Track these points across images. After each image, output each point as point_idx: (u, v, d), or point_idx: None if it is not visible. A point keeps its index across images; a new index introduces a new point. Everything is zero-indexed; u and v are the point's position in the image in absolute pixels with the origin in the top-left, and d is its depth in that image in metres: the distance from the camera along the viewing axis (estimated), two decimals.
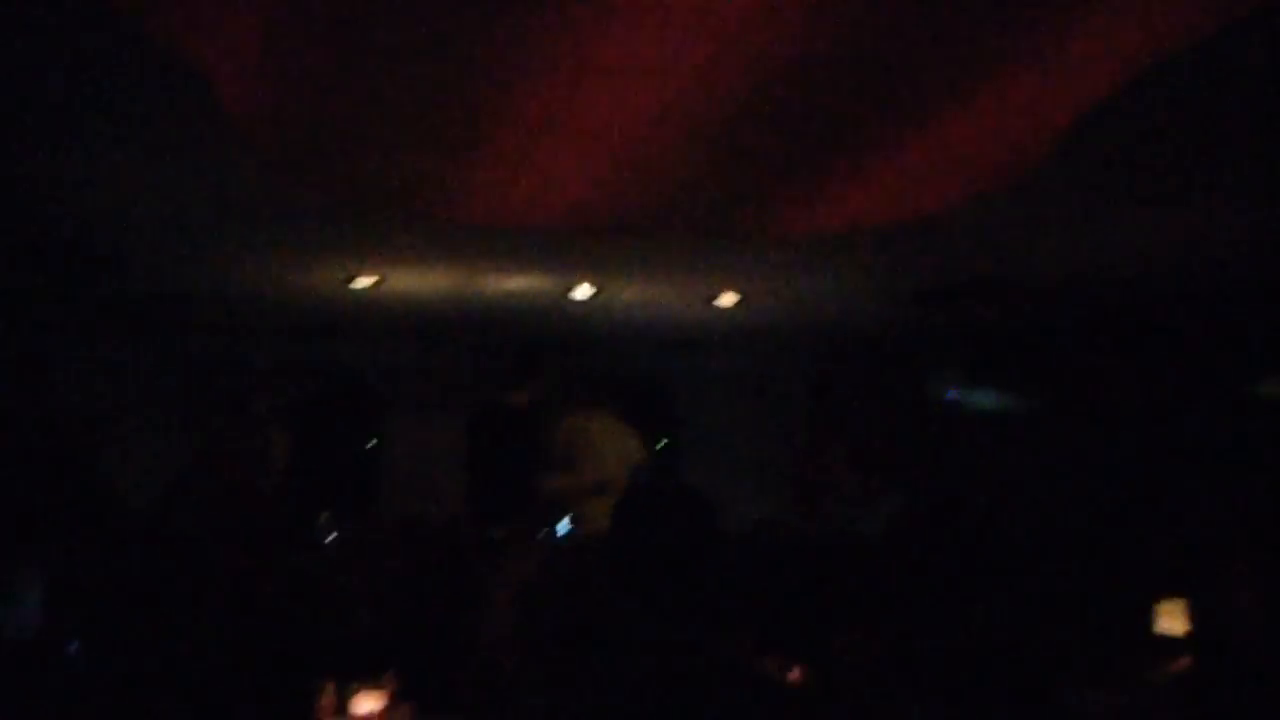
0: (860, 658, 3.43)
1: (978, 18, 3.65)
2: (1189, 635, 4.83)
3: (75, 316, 9.11)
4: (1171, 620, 5.06)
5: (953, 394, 10.74)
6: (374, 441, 11.11)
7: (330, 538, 7.55)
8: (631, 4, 3.54)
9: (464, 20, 3.61)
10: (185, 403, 10.08)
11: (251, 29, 3.69)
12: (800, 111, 4.38)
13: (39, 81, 4.06)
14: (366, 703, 3.84)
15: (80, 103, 4.27)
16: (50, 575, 4.42)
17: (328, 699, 3.78)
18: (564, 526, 7.27)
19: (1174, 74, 3.90)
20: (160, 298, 8.30)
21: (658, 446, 7.98)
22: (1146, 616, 5.28)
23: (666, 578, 2.82)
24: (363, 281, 7.45)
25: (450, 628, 4.40)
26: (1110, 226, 6.05)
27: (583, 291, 7.73)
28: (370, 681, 4.00)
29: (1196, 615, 4.99)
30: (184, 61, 3.82)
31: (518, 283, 7.59)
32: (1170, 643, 4.77)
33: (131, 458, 8.85)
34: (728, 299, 8.00)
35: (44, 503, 6.17)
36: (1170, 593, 5.39)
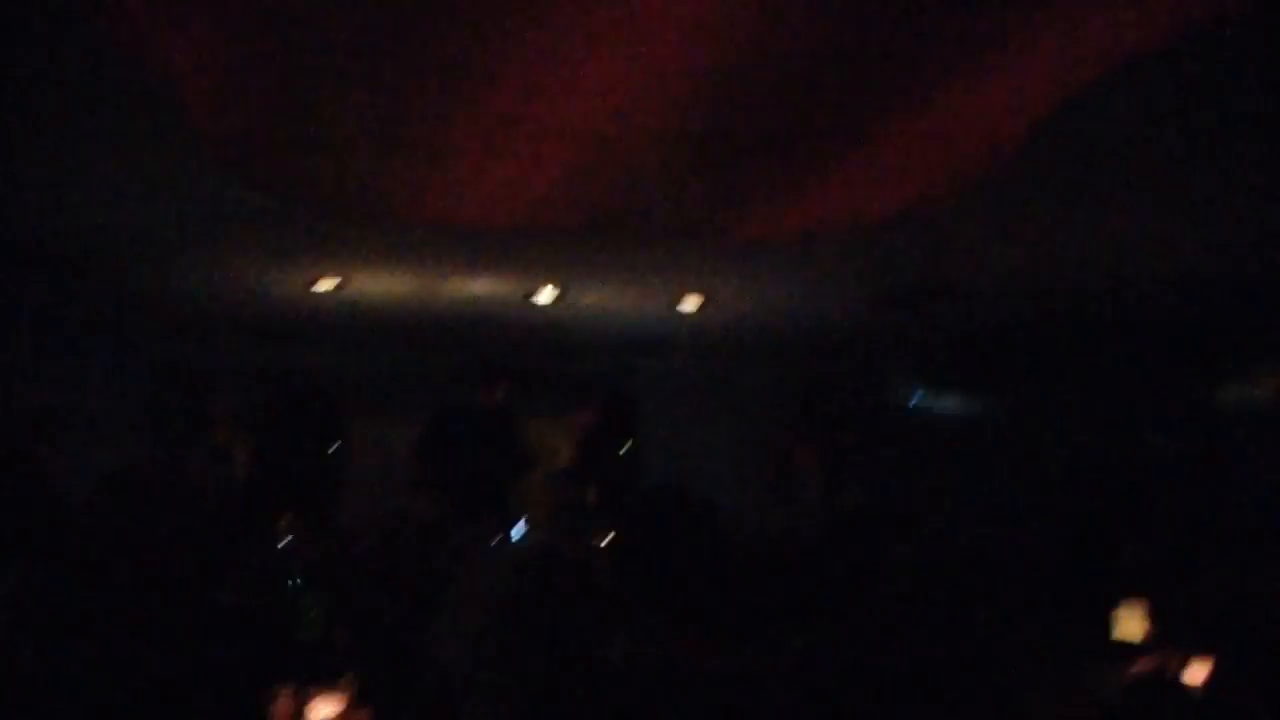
0: (814, 659, 3.42)
1: (942, 18, 3.65)
2: (1147, 640, 4.84)
3: (34, 318, 9.03)
4: (1130, 625, 5.08)
5: (918, 397, 10.78)
6: (336, 445, 11.06)
7: (286, 541, 7.52)
8: (594, 2, 3.52)
9: (424, 20, 3.59)
10: (145, 406, 10.02)
11: (213, 33, 3.66)
12: (765, 114, 4.37)
13: (1, 85, 4.03)
14: (324, 708, 3.81)
15: (42, 105, 4.24)
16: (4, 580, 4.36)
17: (284, 703, 3.75)
18: (519, 531, 7.31)
19: (1140, 74, 3.90)
20: (121, 300, 8.23)
21: (622, 450, 8.01)
22: (1107, 622, 5.29)
23: (674, 583, 2.83)
24: (324, 285, 7.41)
25: (411, 631, 4.37)
26: (1076, 229, 6.06)
27: (546, 295, 7.71)
28: (327, 686, 3.97)
29: (1160, 619, 5.00)
30: (146, 64, 3.79)
31: (481, 285, 7.56)
32: (1128, 648, 4.78)
33: (89, 461, 8.77)
34: (692, 302, 7.99)
35: None
36: (1130, 597, 5.40)
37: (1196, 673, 3.74)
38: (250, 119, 4.41)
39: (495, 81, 4.02)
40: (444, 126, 4.44)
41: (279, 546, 7.06)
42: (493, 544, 6.96)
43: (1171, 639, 4.62)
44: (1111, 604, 5.22)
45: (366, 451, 10.74)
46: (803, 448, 7.60)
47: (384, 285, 7.55)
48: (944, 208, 5.47)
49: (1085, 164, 5.00)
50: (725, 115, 4.36)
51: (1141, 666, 4.02)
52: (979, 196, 5.29)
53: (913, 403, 10.81)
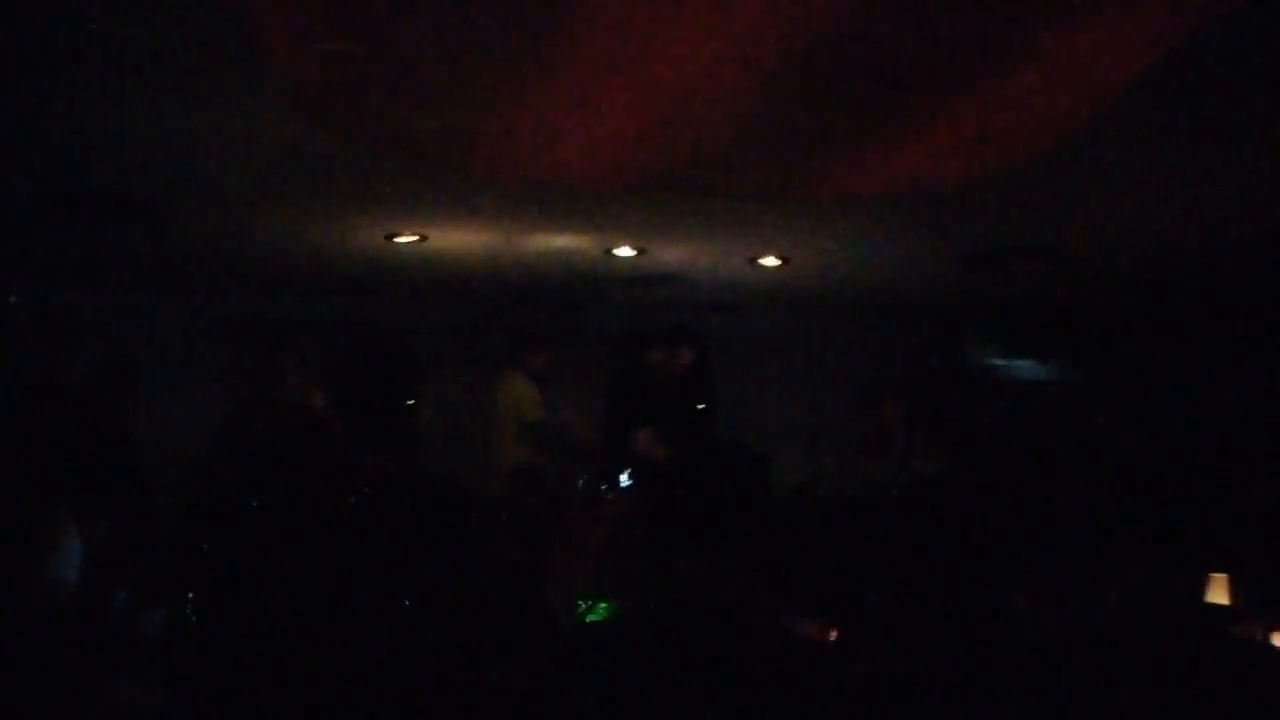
0: (890, 620, 3.42)
1: None
2: (1236, 607, 4.80)
3: (113, 270, 9.16)
4: (1219, 592, 5.03)
5: (996, 360, 10.69)
6: (412, 401, 11.13)
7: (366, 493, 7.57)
8: None
9: None
10: (223, 359, 10.14)
11: None
12: (846, 74, 4.33)
13: (77, 34, 4.05)
14: None
15: (121, 54, 4.25)
16: (90, 527, 4.44)
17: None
18: (626, 479, 7.36)
19: (1233, 32, 3.82)
20: (200, 252, 8.32)
21: (696, 409, 8.01)
22: (1192, 587, 5.24)
23: (722, 534, 2.82)
24: (404, 239, 7.45)
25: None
26: (1157, 195, 5.97)
27: (624, 252, 7.72)
28: None
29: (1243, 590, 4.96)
30: (226, 13, 3.80)
31: (560, 242, 7.57)
32: (1220, 611, 4.74)
33: (168, 413, 8.93)
34: (770, 261, 7.97)
35: (81, 456, 6.22)
36: (1213, 565, 5.36)
37: None
38: (333, 69, 4.41)
39: (579, 38, 4.00)
40: (528, 84, 4.43)
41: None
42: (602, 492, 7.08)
43: (1258, 607, 4.57)
44: (1199, 571, 5.18)
45: (445, 405, 10.81)
46: (890, 406, 7.56)
47: (464, 240, 7.57)
48: (1028, 170, 5.41)
49: (1170, 129, 4.91)
50: (807, 74, 4.32)
51: (1234, 632, 3.99)
52: (1063, 159, 5.22)
53: (991, 365, 10.72)
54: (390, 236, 7.41)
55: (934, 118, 4.77)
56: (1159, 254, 7.44)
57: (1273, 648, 3.72)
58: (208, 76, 4.50)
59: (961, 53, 4.13)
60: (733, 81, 4.37)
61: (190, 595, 3.74)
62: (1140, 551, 6.48)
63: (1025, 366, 10.58)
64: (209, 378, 9.84)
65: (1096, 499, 8.50)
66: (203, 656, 3.27)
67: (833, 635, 4.35)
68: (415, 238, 7.44)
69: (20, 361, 7.98)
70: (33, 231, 7.56)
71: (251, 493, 3.38)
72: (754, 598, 2.93)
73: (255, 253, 8.30)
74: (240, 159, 5.67)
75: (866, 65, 4.23)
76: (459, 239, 7.56)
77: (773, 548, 3.00)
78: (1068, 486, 8.74)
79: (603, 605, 3.93)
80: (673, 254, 7.90)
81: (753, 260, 8.00)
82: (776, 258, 7.92)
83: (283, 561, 3.24)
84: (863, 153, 5.28)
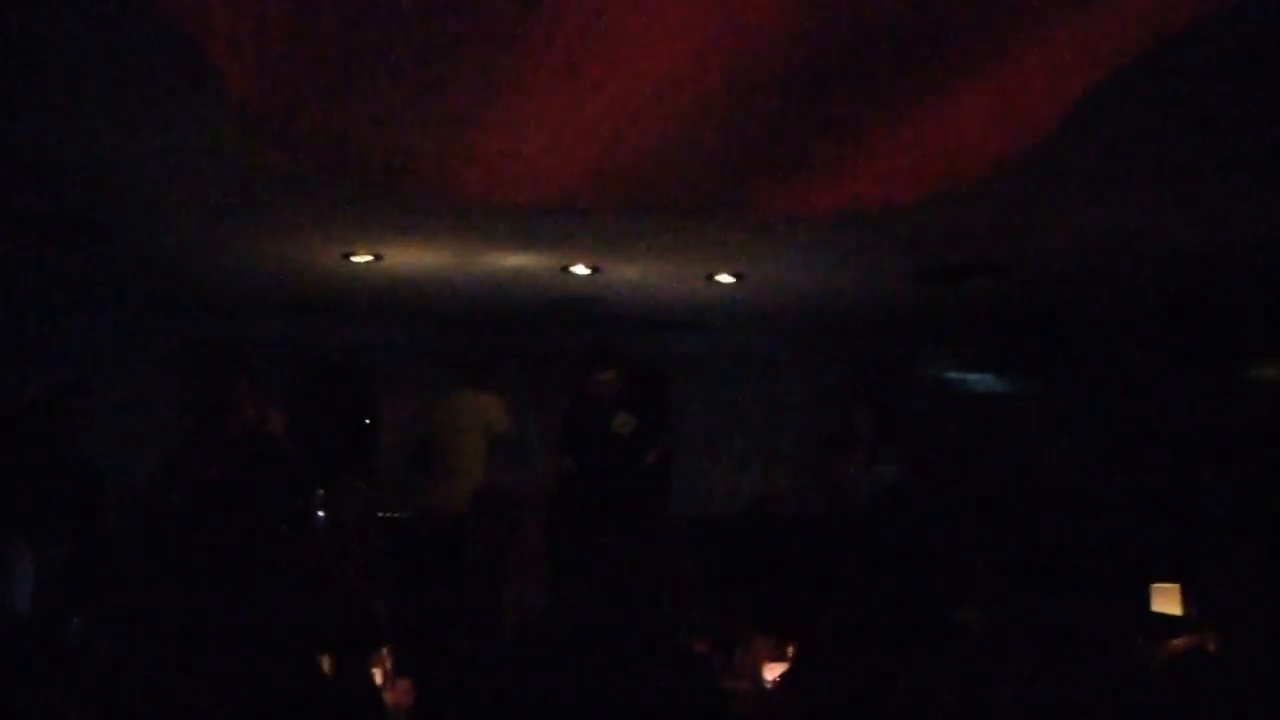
0: (847, 633, 3.43)
1: None
2: (1185, 617, 4.85)
3: (66, 289, 9.09)
4: (1167, 602, 5.08)
5: (951, 375, 10.76)
6: (369, 420, 11.10)
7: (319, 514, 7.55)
8: None
9: None
10: (177, 379, 10.08)
11: (251, 1, 3.67)
12: (799, 91, 4.36)
13: (32, 50, 4.04)
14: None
15: (74, 72, 4.25)
16: (42, 553, 4.41)
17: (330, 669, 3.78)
18: None
19: (1177, 52, 3.88)
20: (153, 273, 8.27)
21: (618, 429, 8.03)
22: (1141, 597, 5.29)
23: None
24: (360, 258, 7.44)
25: (449, 603, 4.40)
26: (1113, 207, 6.03)
27: (580, 270, 7.75)
28: (368, 654, 4.01)
29: (1193, 599, 5.00)
30: (180, 32, 3.79)
31: (515, 260, 7.58)
32: (1168, 621, 4.79)
33: (121, 433, 8.85)
34: (725, 278, 8.01)
35: (33, 479, 6.17)
36: (1162, 575, 5.41)
37: (1231, 648, 3.75)
38: (289, 89, 4.42)
39: (533, 59, 4.02)
40: (483, 103, 4.45)
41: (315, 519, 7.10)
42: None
43: (1208, 617, 4.62)
44: (1147, 581, 5.23)
45: (401, 425, 10.78)
46: (859, 411, 7.64)
47: (420, 258, 7.57)
48: (982, 184, 5.45)
49: (1125, 141, 4.96)
50: (760, 94, 4.35)
51: (1182, 642, 4.03)
52: (1017, 173, 5.27)
53: (946, 379, 10.79)
54: (346, 255, 7.40)
55: (888, 135, 4.81)
56: (1113, 267, 7.51)
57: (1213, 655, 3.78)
58: (161, 96, 4.50)
59: (915, 70, 4.17)
60: (686, 101, 4.40)
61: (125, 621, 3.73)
62: (1087, 562, 6.54)
63: (981, 379, 10.66)
64: (165, 399, 9.80)
65: (1050, 510, 8.56)
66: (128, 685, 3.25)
67: (789, 650, 4.37)
68: (371, 257, 7.43)
69: None
70: None
71: (195, 525, 3.36)
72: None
73: (210, 272, 8.27)
74: (194, 178, 5.66)
75: (820, 83, 4.26)
76: (415, 258, 7.55)
77: (725, 563, 3.02)
78: (1023, 497, 8.80)
79: None
80: (629, 271, 7.92)
81: (709, 277, 8.03)
82: (732, 274, 7.95)
83: (222, 593, 3.24)
84: (816, 170, 5.31)
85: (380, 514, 6.80)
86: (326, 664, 3.68)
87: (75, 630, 4.22)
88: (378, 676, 4.15)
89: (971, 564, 3.72)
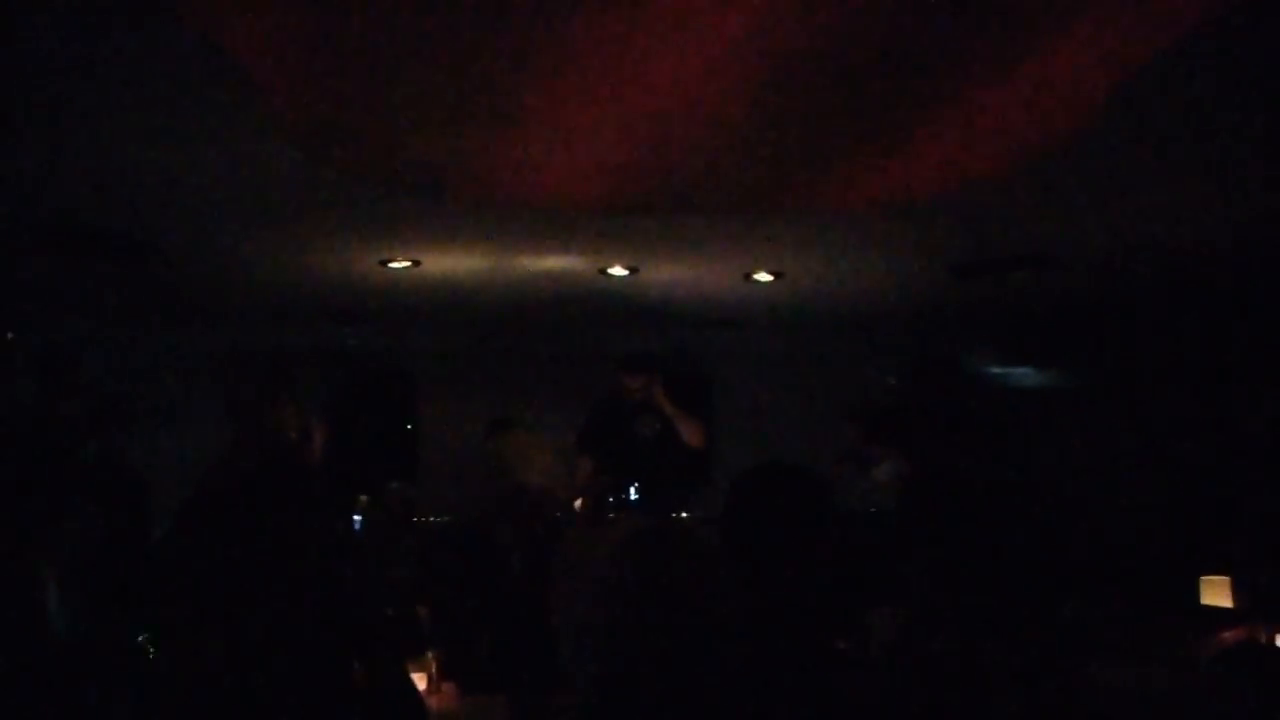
0: (893, 631, 3.42)
1: None
2: (1236, 611, 4.80)
3: (109, 305, 9.17)
4: (1218, 593, 5.03)
5: (992, 370, 10.70)
6: (409, 425, 11.15)
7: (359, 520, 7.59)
8: None
9: (497, 1, 3.60)
10: (220, 389, 10.15)
11: (284, 10, 3.68)
12: (835, 86, 4.34)
13: (74, 68, 4.07)
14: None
15: (114, 88, 4.27)
16: (81, 557, 4.43)
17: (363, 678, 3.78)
18: (635, 494, 7.39)
19: (1218, 39, 3.83)
20: (195, 285, 8.33)
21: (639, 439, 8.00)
22: (1188, 593, 5.24)
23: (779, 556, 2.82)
24: (398, 264, 7.46)
25: (494, 606, 4.40)
26: (1153, 199, 5.96)
27: (618, 272, 7.75)
28: (412, 660, 4.01)
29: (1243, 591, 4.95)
30: (217, 44, 3.81)
31: (552, 263, 7.58)
32: (1217, 614, 4.74)
33: (165, 445, 8.93)
34: (763, 276, 7.99)
35: (72, 490, 6.22)
36: (1210, 570, 5.36)
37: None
38: (325, 98, 4.43)
39: (567, 61, 4.02)
40: (519, 107, 4.45)
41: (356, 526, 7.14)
42: (610, 508, 7.09)
43: (1259, 610, 4.57)
44: (1196, 574, 5.18)
45: (442, 431, 10.82)
46: (853, 430, 7.75)
47: (458, 263, 7.59)
48: (1020, 177, 5.41)
49: (1165, 132, 4.91)
50: (796, 90, 4.33)
51: (1233, 635, 3.99)
52: (1055, 165, 5.23)
53: (987, 374, 10.73)
54: (384, 262, 7.43)
55: (926, 127, 4.77)
56: (1162, 259, 7.43)
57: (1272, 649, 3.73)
58: (199, 109, 4.52)
59: (953, 59, 4.13)
60: (721, 99, 4.38)
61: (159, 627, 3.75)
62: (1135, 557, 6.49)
63: (1022, 374, 10.59)
64: (207, 411, 9.86)
65: (1096, 507, 8.50)
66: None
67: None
68: (409, 263, 7.46)
69: (17, 395, 7.97)
70: (29, 268, 7.58)
71: (234, 533, 3.38)
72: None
73: (249, 283, 8.33)
74: (233, 190, 5.69)
75: (855, 77, 4.24)
76: (452, 263, 7.57)
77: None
78: (1067, 495, 8.75)
79: None
80: (666, 272, 7.92)
81: (747, 276, 8.01)
82: (770, 273, 7.93)
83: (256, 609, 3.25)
84: (854, 165, 5.29)
85: (421, 519, 6.83)
86: (365, 670, 3.69)
87: (128, 637, 4.24)
88: (422, 682, 4.16)
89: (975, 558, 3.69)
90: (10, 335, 9.51)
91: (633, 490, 7.48)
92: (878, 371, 10.85)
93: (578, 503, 7.05)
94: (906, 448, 7.75)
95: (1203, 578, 5.22)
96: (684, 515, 7.58)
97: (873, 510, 7.09)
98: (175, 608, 3.31)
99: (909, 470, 7.58)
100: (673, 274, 8.03)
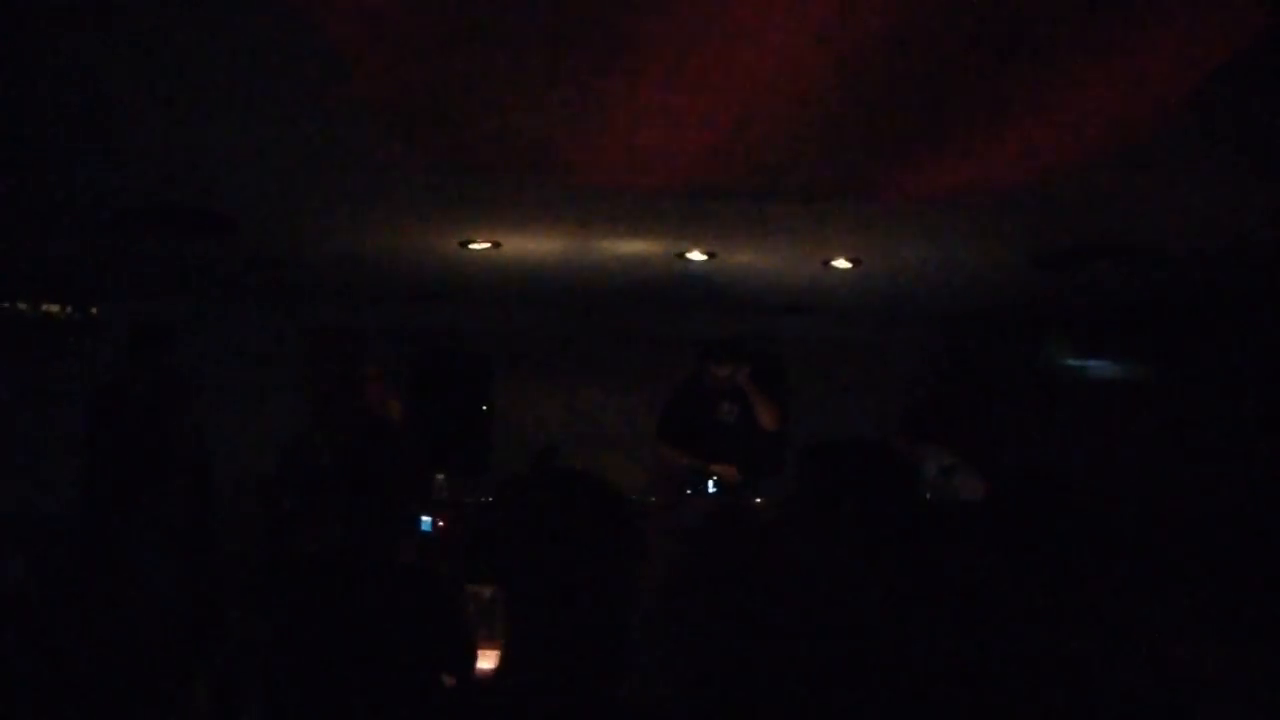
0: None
1: None
2: None
3: (194, 281, 9.31)
4: None
5: (1073, 361, 10.59)
6: (485, 407, 11.22)
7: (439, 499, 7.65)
8: None
9: None
10: (301, 367, 10.29)
11: None
12: (917, 75, 4.31)
13: (167, 48, 4.13)
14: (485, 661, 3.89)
15: (200, 66, 4.33)
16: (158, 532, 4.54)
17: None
18: (713, 486, 7.44)
19: None
20: (278, 262, 8.44)
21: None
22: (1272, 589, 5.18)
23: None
24: (478, 245, 7.52)
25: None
26: (1238, 192, 5.87)
27: (696, 256, 7.76)
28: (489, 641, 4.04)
29: None
30: (305, 23, 3.86)
31: (631, 246, 7.60)
32: None
33: (247, 420, 9.07)
34: (841, 263, 7.96)
35: (144, 461, 6.34)
36: None
37: None
38: (409, 78, 4.47)
39: (650, 44, 4.02)
40: (601, 90, 4.46)
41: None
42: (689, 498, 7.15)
43: None
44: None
45: (518, 412, 10.89)
46: (902, 439, 7.77)
47: (538, 245, 7.63)
48: (1103, 168, 5.36)
49: (1250, 125, 4.83)
50: (877, 78, 4.31)
51: None
52: (1138, 156, 5.17)
53: (1068, 366, 10.62)
54: (465, 244, 7.48)
55: (1007, 115, 4.74)
56: (1238, 252, 7.31)
57: None
58: (288, 89, 4.58)
59: (1036, 47, 4.10)
60: (803, 85, 4.37)
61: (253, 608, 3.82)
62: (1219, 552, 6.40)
63: (1102, 366, 10.47)
64: (289, 387, 10.01)
65: (1175, 501, 8.40)
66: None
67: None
68: (489, 245, 7.51)
69: (105, 369, 8.14)
70: (116, 245, 7.71)
71: (315, 508, 3.46)
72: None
73: (331, 262, 8.42)
74: (317, 170, 5.76)
75: (938, 64, 4.21)
76: (532, 245, 7.62)
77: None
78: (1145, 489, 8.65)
79: None
80: (744, 257, 7.91)
81: (825, 262, 7.99)
82: (848, 260, 7.90)
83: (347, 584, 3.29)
84: (934, 153, 5.26)
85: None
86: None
87: (218, 613, 4.32)
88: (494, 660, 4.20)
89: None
90: (95, 311, 9.71)
91: (710, 484, 7.50)
92: (920, 367, 10.85)
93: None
94: (946, 440, 7.78)
95: None
96: (756, 500, 7.57)
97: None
98: (262, 580, 3.38)
99: (950, 461, 7.61)
100: (751, 259, 8.02)
